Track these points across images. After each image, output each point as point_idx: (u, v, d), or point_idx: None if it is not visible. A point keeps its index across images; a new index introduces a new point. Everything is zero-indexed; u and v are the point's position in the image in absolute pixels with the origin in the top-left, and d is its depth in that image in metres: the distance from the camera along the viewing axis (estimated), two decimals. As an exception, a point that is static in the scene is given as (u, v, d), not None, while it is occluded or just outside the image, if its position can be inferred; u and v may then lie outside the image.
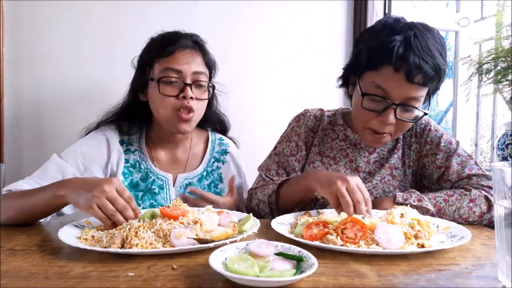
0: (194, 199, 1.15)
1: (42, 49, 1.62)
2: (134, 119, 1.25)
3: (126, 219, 0.82)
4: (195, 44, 1.21)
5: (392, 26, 1.03)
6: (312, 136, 1.23)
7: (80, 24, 1.64)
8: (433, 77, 1.00)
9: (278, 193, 1.10)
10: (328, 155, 1.20)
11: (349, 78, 1.16)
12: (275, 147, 1.26)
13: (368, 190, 1.13)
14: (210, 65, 1.24)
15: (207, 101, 1.23)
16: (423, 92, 1.03)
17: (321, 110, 1.27)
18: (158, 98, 1.16)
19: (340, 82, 1.20)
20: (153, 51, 1.19)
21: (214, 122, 1.38)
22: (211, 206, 0.94)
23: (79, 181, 0.90)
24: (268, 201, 1.09)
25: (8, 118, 1.60)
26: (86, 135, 1.25)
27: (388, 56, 0.99)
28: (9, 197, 0.96)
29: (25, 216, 0.95)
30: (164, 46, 1.17)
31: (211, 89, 1.24)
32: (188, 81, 1.15)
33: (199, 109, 1.19)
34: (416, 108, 1.03)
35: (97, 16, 1.65)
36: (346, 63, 1.17)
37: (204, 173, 1.31)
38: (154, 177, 1.24)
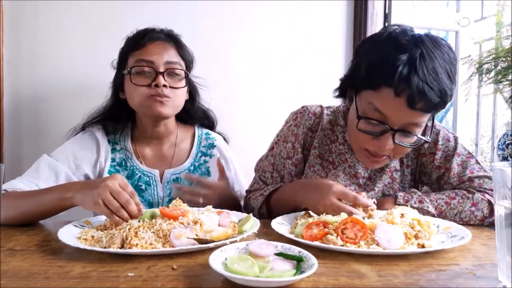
0: (190, 187, 1.16)
1: (42, 49, 1.62)
2: (118, 119, 1.26)
3: (130, 214, 0.83)
4: (168, 37, 1.22)
5: (396, 40, 0.92)
6: (311, 136, 1.17)
7: (80, 24, 1.64)
8: (438, 104, 0.90)
9: (269, 203, 1.09)
10: (327, 159, 1.15)
11: (346, 91, 1.07)
12: (272, 147, 1.21)
13: (370, 198, 1.11)
14: (185, 57, 1.24)
15: (184, 90, 1.23)
16: (425, 118, 0.94)
17: (321, 107, 1.20)
18: (132, 89, 1.16)
19: (337, 93, 1.10)
20: (127, 47, 1.22)
21: (200, 117, 1.38)
22: (211, 206, 0.94)
23: (84, 182, 0.94)
24: (259, 213, 1.08)
25: (8, 118, 1.60)
26: (74, 135, 1.26)
27: (389, 78, 0.89)
28: (9, 198, 0.96)
29: (28, 217, 0.95)
30: (137, 40, 1.20)
31: (186, 79, 1.22)
32: (161, 69, 1.15)
33: (175, 97, 1.19)
34: (417, 136, 0.96)
35: (97, 16, 1.65)
36: (344, 74, 1.08)
37: (192, 168, 1.30)
38: (140, 174, 1.24)
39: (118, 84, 1.24)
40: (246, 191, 1.22)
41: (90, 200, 0.84)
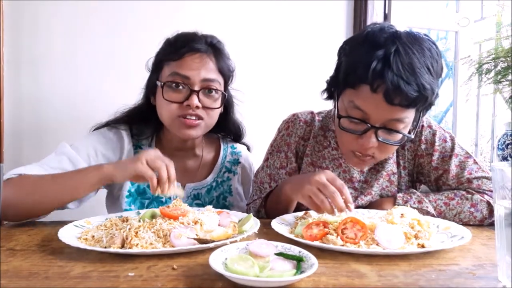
0: None
1: (42, 50, 1.62)
2: (146, 123, 1.19)
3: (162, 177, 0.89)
4: (210, 47, 1.13)
5: (374, 38, 0.91)
6: (303, 144, 1.15)
7: (80, 24, 1.64)
8: (416, 99, 0.88)
9: (266, 206, 1.09)
10: (321, 166, 1.13)
11: (333, 92, 1.05)
12: (267, 158, 1.20)
13: (367, 202, 1.10)
14: (225, 72, 1.15)
15: (218, 110, 1.16)
16: (407, 113, 0.92)
17: (312, 113, 1.19)
18: (163, 103, 1.09)
19: (325, 96, 1.08)
20: (164, 53, 1.14)
21: (230, 131, 1.31)
22: (211, 206, 0.94)
23: (118, 161, 1.00)
24: (258, 216, 1.07)
25: (8, 118, 1.60)
26: (98, 128, 1.19)
27: (365, 75, 0.89)
28: (28, 181, 0.94)
29: (50, 202, 0.94)
30: (175, 48, 1.10)
31: (222, 99, 1.15)
32: (196, 88, 1.07)
33: (208, 118, 1.12)
34: (400, 132, 0.94)
35: (97, 16, 1.65)
36: (329, 76, 1.06)
37: (214, 184, 1.25)
38: None
39: (150, 89, 1.17)
40: (247, 204, 1.21)
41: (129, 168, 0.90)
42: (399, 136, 0.95)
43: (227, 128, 1.30)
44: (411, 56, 0.88)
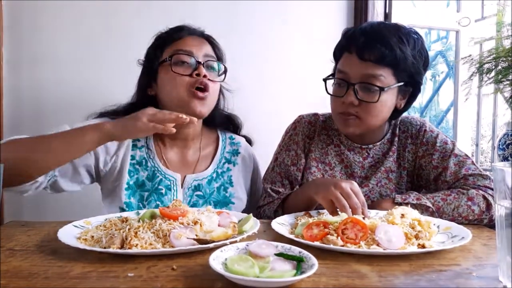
0: None
1: (42, 49, 1.62)
2: None
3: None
4: (203, 35, 1.22)
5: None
6: (308, 142, 1.22)
7: (80, 24, 1.64)
8: (383, 54, 1.00)
9: (284, 207, 1.10)
10: (324, 161, 1.19)
11: None
12: (276, 158, 1.24)
13: (365, 195, 1.12)
14: (220, 56, 1.23)
15: (219, 86, 1.21)
16: (381, 71, 1.03)
17: (315, 115, 1.26)
18: (171, 79, 1.12)
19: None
20: (161, 42, 1.18)
21: (223, 121, 1.33)
22: (211, 206, 0.94)
23: (117, 120, 1.01)
24: (275, 216, 1.08)
25: (8, 118, 1.60)
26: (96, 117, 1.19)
27: (343, 43, 1.09)
28: (26, 140, 0.95)
29: (54, 156, 0.95)
30: (173, 32, 1.18)
31: (223, 74, 1.20)
32: (200, 60, 1.13)
33: (213, 92, 1.16)
34: (374, 85, 1.03)
35: (97, 16, 1.65)
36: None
37: (214, 175, 1.25)
38: (162, 176, 1.18)
39: (147, 80, 1.19)
40: (258, 207, 1.20)
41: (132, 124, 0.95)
42: (376, 95, 1.03)
43: (220, 118, 1.31)
44: (384, 29, 1.04)
